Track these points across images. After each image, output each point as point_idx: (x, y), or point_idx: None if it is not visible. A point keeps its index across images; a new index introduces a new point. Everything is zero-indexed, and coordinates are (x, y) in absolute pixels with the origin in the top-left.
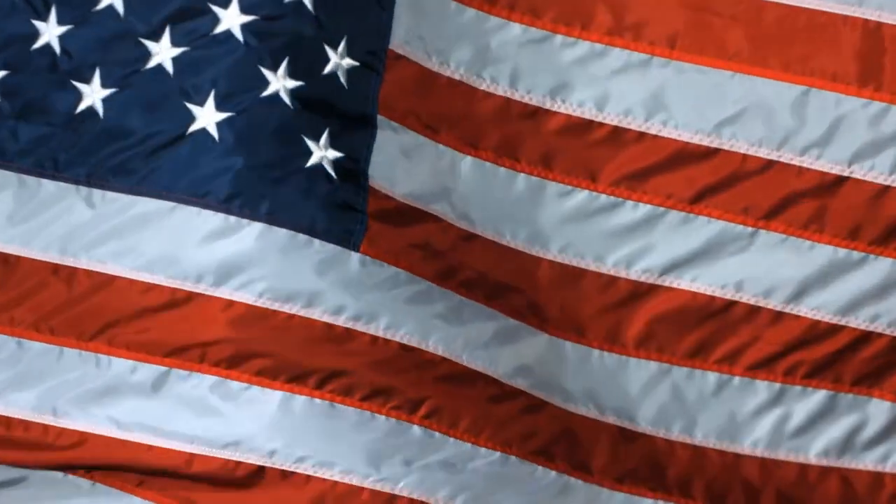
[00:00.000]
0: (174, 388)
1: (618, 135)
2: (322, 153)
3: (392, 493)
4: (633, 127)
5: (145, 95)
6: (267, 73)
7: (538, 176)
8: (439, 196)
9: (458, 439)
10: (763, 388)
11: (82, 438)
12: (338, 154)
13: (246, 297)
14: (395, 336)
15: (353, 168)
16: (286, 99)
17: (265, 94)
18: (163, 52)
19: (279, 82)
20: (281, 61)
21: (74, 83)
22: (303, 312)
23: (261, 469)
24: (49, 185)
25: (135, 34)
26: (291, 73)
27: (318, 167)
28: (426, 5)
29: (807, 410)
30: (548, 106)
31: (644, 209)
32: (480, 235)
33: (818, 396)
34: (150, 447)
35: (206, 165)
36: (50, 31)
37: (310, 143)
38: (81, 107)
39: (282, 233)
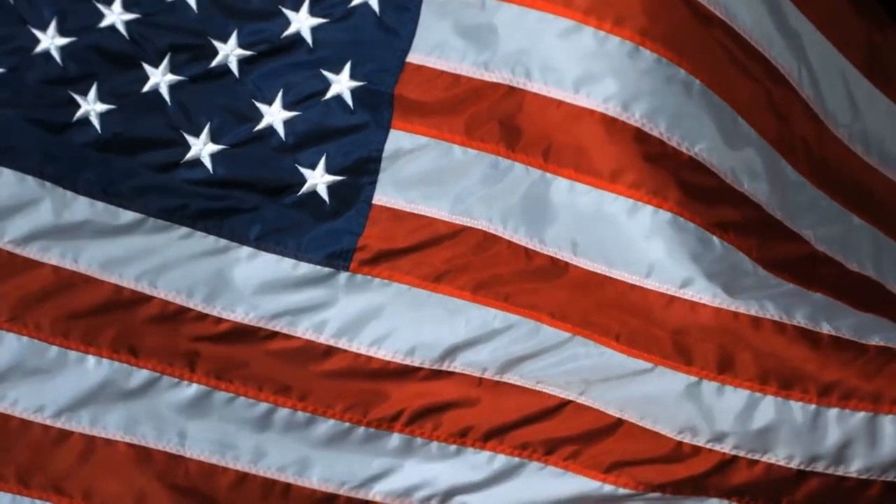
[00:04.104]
0: None
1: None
2: (317, 180)
3: None
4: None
5: (142, 121)
6: (261, 106)
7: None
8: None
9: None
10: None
11: None
12: (335, 178)
13: None
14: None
15: (351, 191)
16: (280, 130)
17: (259, 127)
18: (162, 79)
19: (273, 115)
20: (276, 94)
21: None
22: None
23: None
24: None
25: (137, 58)
26: (286, 105)
27: (312, 194)
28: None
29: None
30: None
31: None
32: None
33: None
34: None
35: (202, 194)
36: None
37: (304, 171)
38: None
39: None
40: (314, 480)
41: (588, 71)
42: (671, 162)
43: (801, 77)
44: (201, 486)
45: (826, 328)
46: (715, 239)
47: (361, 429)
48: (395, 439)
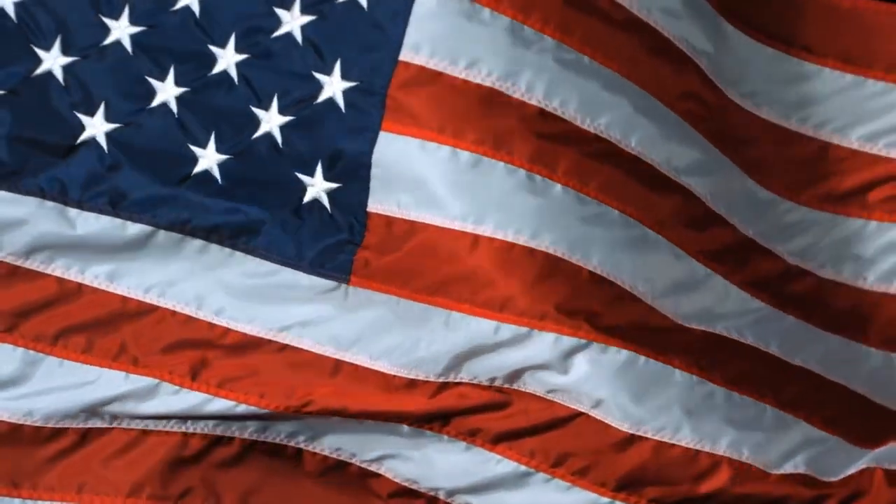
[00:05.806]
0: None
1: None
2: (318, 187)
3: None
4: None
5: (152, 137)
6: (258, 112)
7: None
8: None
9: None
10: None
11: None
12: (333, 185)
13: None
14: None
15: (348, 198)
16: (277, 137)
17: (257, 134)
18: (170, 93)
19: (270, 121)
20: (271, 99)
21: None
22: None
23: None
24: None
25: (144, 73)
26: (282, 109)
27: (314, 202)
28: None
29: None
30: (578, 124)
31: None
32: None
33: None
34: None
35: (213, 206)
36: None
37: (304, 178)
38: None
39: None
40: (325, 449)
41: (587, 98)
42: (670, 187)
43: (756, 97)
44: (202, 461)
45: (797, 361)
46: (700, 266)
47: (371, 422)
48: (406, 429)
